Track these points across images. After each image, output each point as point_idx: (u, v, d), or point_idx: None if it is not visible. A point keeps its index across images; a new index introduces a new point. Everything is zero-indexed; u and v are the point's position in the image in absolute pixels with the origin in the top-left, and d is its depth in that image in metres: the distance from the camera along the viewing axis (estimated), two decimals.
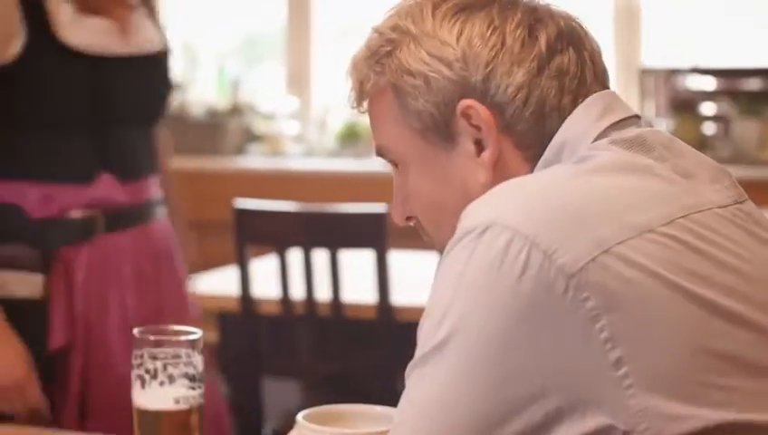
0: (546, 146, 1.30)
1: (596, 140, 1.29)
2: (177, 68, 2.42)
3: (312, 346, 3.33)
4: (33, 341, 2.16)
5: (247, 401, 3.34)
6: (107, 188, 2.21)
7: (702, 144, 4.87)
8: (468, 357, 1.16)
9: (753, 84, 5.11)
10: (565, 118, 1.31)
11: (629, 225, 1.17)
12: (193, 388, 1.58)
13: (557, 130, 1.30)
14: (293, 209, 3.43)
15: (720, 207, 1.25)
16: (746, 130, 4.98)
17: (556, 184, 1.23)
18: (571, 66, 1.32)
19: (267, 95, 5.58)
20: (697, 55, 5.19)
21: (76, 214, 2.19)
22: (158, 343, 1.59)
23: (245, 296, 3.26)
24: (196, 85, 5.61)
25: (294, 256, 3.29)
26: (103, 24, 2.20)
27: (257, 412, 3.35)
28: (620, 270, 1.14)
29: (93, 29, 2.18)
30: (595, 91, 1.33)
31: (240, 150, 5.38)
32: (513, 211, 1.18)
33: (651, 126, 1.34)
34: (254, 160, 5.31)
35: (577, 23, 1.36)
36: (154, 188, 2.32)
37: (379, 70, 1.35)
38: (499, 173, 1.29)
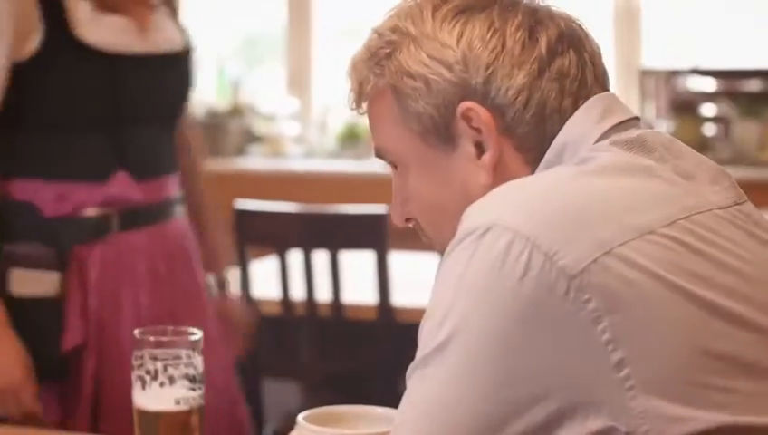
0: (547, 148, 1.30)
1: (597, 141, 1.29)
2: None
3: (313, 347, 3.33)
4: (48, 339, 2.15)
5: (248, 401, 3.33)
6: (122, 186, 2.20)
7: (702, 145, 4.87)
8: (469, 358, 1.16)
9: (754, 85, 5.11)
10: (566, 120, 1.31)
11: (630, 226, 1.17)
12: (193, 389, 1.58)
13: (558, 132, 1.30)
14: (294, 210, 3.43)
15: (720, 209, 1.25)
16: (746, 131, 4.98)
17: (557, 185, 1.23)
18: (572, 68, 1.32)
19: (267, 96, 5.58)
20: (697, 56, 5.19)
21: (90, 212, 2.18)
22: (158, 344, 1.59)
23: (246, 297, 3.26)
24: (197, 86, 5.61)
25: (295, 256, 3.29)
26: (122, 23, 2.19)
27: (258, 413, 3.35)
28: (622, 271, 1.14)
29: (111, 27, 2.17)
30: (595, 93, 1.33)
31: (240, 151, 5.38)
32: (513, 213, 1.18)
33: (651, 127, 1.34)
34: (255, 161, 5.31)
35: (577, 24, 1.36)
36: (172, 187, 2.31)
37: (378, 72, 1.35)
38: (499, 175, 1.29)
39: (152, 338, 1.60)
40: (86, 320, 2.17)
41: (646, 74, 5.14)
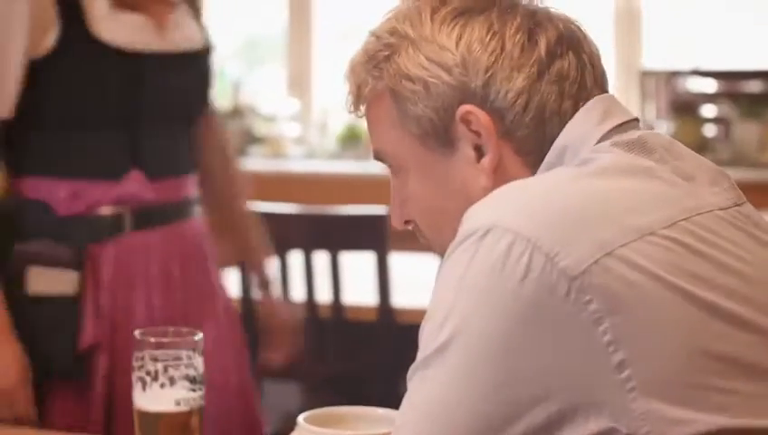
0: (546, 151, 1.30)
1: (598, 143, 1.29)
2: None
3: (313, 348, 3.33)
4: (65, 338, 2.14)
5: None
6: (135, 185, 2.18)
7: (702, 146, 4.87)
8: (469, 359, 1.16)
9: (754, 86, 5.11)
10: (566, 122, 1.30)
11: (631, 227, 1.17)
12: (194, 390, 1.58)
13: (557, 134, 1.30)
14: (294, 211, 3.43)
15: (720, 210, 1.25)
16: (747, 132, 4.99)
17: (557, 187, 1.23)
18: (571, 71, 1.31)
19: (268, 97, 5.58)
20: (698, 57, 5.19)
21: (104, 211, 2.17)
22: (158, 345, 1.59)
23: (246, 298, 3.26)
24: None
25: (295, 258, 3.29)
26: (139, 21, 2.18)
27: None
28: (623, 273, 1.14)
29: (129, 25, 2.16)
30: (595, 95, 1.33)
31: (241, 152, 5.38)
32: (514, 214, 1.18)
33: (652, 128, 1.34)
34: (255, 162, 5.31)
35: (575, 25, 1.35)
36: (189, 188, 2.29)
37: (377, 74, 1.34)
38: (499, 178, 1.29)
39: (152, 339, 1.60)
40: (100, 319, 2.16)
41: (646, 75, 5.14)
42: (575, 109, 1.31)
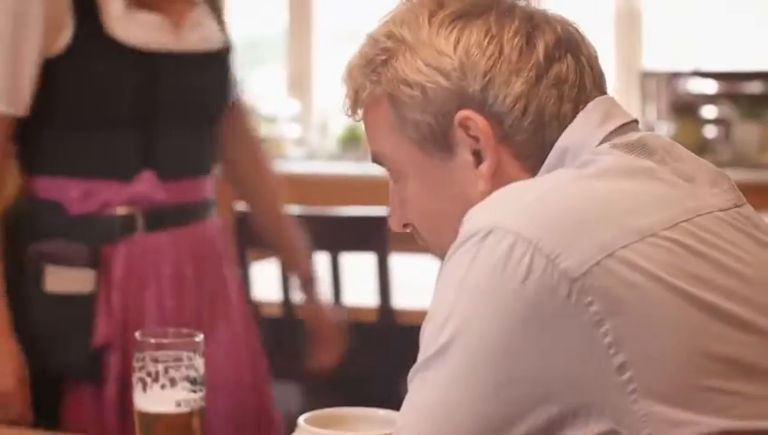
0: (546, 155, 1.30)
1: (598, 145, 1.29)
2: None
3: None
4: (80, 338, 2.14)
5: None
6: (147, 185, 2.17)
7: (703, 147, 4.87)
8: (470, 359, 1.16)
9: (754, 87, 5.11)
10: (565, 126, 1.30)
11: (632, 228, 1.17)
12: (194, 391, 1.58)
13: (557, 138, 1.30)
14: (294, 213, 3.42)
15: (721, 211, 1.25)
16: (747, 133, 4.99)
17: (557, 188, 1.23)
18: (570, 74, 1.31)
19: (268, 98, 5.58)
20: (698, 58, 5.19)
21: (115, 211, 2.16)
22: (159, 346, 1.59)
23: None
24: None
25: None
26: (156, 20, 2.17)
27: None
28: (624, 274, 1.14)
29: (144, 24, 2.15)
30: (594, 97, 1.32)
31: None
32: (514, 215, 1.18)
33: (652, 130, 1.34)
34: None
35: (573, 28, 1.35)
36: (204, 189, 2.27)
37: (375, 79, 1.34)
38: (498, 183, 1.28)
39: (153, 340, 1.60)
40: (111, 319, 2.16)
41: (647, 76, 5.14)
42: (575, 112, 1.31)
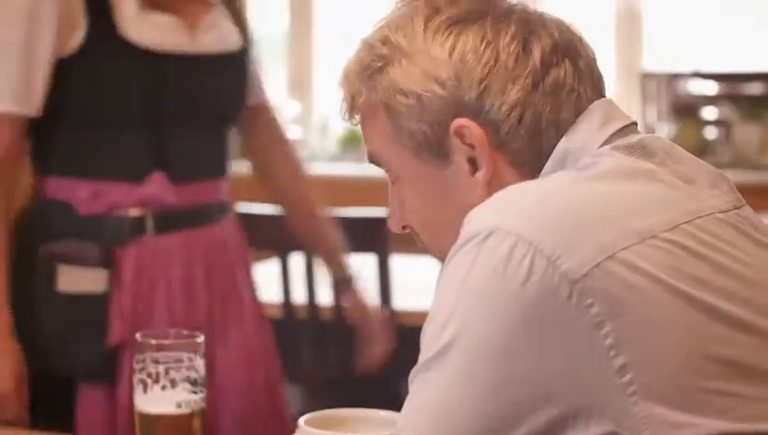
0: (542, 162, 1.29)
1: (599, 148, 1.28)
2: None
3: (314, 350, 3.33)
4: (93, 338, 2.13)
5: None
6: (157, 187, 2.16)
7: (703, 149, 4.87)
8: (470, 360, 1.16)
9: (755, 89, 5.11)
10: (563, 131, 1.30)
11: (632, 230, 1.17)
12: (195, 392, 1.58)
13: (554, 145, 1.29)
14: None
15: (721, 212, 1.25)
16: (747, 134, 4.99)
17: (558, 190, 1.23)
18: (568, 79, 1.30)
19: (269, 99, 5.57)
20: (699, 59, 5.19)
21: (125, 212, 2.15)
22: (159, 348, 1.59)
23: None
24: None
25: (296, 260, 3.29)
26: (170, 21, 2.16)
27: None
28: (625, 276, 1.14)
29: (157, 25, 2.15)
30: (594, 100, 1.32)
31: (242, 155, 5.37)
32: (515, 217, 1.18)
33: (653, 131, 1.34)
34: None
35: (570, 30, 1.34)
36: (217, 192, 2.27)
37: (370, 86, 1.33)
38: (494, 190, 1.27)
39: (154, 341, 1.60)
40: (123, 320, 2.15)
41: (647, 77, 5.14)
42: (575, 116, 1.30)
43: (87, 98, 2.12)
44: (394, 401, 1.39)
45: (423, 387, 1.20)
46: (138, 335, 1.62)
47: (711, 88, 5.12)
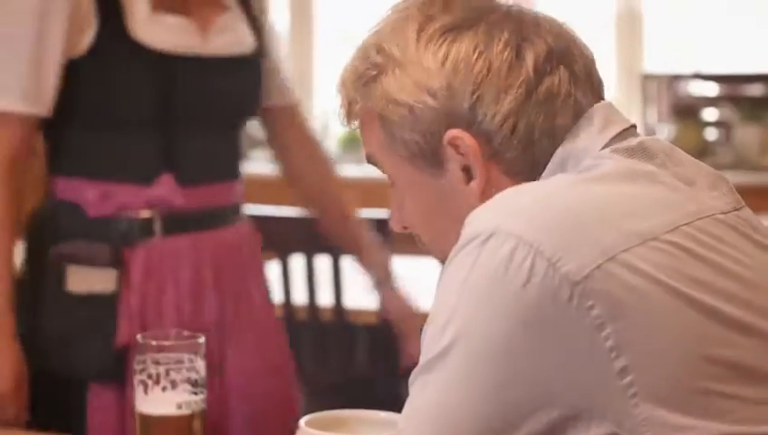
0: (537, 171, 1.29)
1: (600, 151, 1.28)
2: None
3: (315, 351, 3.33)
4: (103, 338, 2.13)
5: None
6: (164, 189, 2.15)
7: (704, 150, 4.88)
8: (471, 361, 1.16)
9: (755, 90, 5.12)
10: (559, 138, 1.29)
11: (633, 232, 1.17)
12: (195, 393, 1.58)
13: (548, 153, 1.29)
14: (296, 215, 3.42)
15: (721, 214, 1.25)
16: (748, 135, 4.99)
17: (557, 192, 1.23)
18: (563, 86, 1.30)
19: None
20: (699, 61, 5.19)
21: (133, 214, 2.15)
22: (160, 349, 1.59)
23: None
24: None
25: (297, 261, 3.29)
26: (181, 23, 2.15)
27: None
28: (625, 278, 1.14)
29: (169, 27, 2.14)
30: (592, 104, 1.31)
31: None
32: (515, 218, 1.18)
33: (653, 132, 1.34)
34: (257, 166, 5.30)
35: (566, 32, 1.33)
36: (228, 195, 2.25)
37: (365, 94, 1.33)
38: (488, 199, 1.26)
39: (154, 342, 1.60)
40: (131, 320, 2.14)
41: (648, 79, 5.14)
42: (573, 122, 1.30)
43: (96, 99, 2.12)
44: (395, 402, 1.39)
45: (423, 388, 1.20)
46: (138, 336, 1.62)
47: (711, 89, 5.12)
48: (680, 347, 1.15)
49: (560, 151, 1.29)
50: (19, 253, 2.23)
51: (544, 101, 1.29)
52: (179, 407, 1.57)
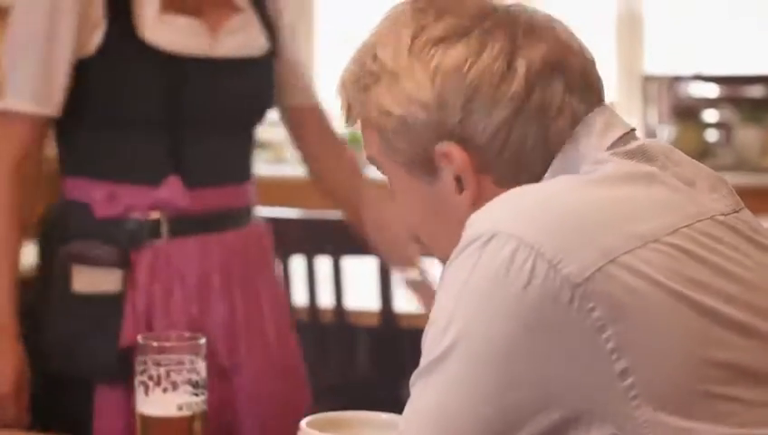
0: (531, 180, 1.28)
1: (600, 154, 1.28)
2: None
3: (315, 353, 3.33)
4: (108, 338, 2.13)
5: None
6: (171, 191, 2.14)
7: (704, 151, 4.88)
8: (471, 363, 1.16)
9: (756, 91, 5.12)
10: (554, 147, 1.28)
11: (633, 234, 1.17)
12: (196, 394, 1.58)
13: (543, 162, 1.28)
14: (296, 216, 3.43)
15: (721, 215, 1.25)
16: (748, 137, 4.99)
17: (558, 194, 1.22)
18: (556, 97, 1.28)
19: None
20: (700, 62, 5.20)
21: (140, 215, 2.14)
22: (161, 350, 1.59)
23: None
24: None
25: (297, 262, 3.29)
26: (191, 24, 2.14)
27: None
28: (626, 280, 1.15)
29: (178, 28, 2.13)
30: (592, 108, 1.31)
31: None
32: (516, 220, 1.18)
33: (654, 134, 1.34)
34: (257, 167, 5.29)
35: (563, 33, 1.32)
36: (237, 197, 2.25)
37: (362, 100, 1.34)
38: (479, 208, 1.26)
39: (155, 343, 1.60)
40: (139, 321, 2.14)
41: (648, 80, 5.14)
42: (570, 128, 1.29)
43: (105, 99, 2.12)
44: (396, 404, 1.39)
45: (424, 390, 1.20)
46: (139, 337, 1.62)
47: (712, 91, 5.12)
48: (681, 349, 1.15)
49: (559, 158, 1.28)
50: (31, 253, 2.24)
51: (537, 113, 1.28)
52: (180, 408, 1.57)
